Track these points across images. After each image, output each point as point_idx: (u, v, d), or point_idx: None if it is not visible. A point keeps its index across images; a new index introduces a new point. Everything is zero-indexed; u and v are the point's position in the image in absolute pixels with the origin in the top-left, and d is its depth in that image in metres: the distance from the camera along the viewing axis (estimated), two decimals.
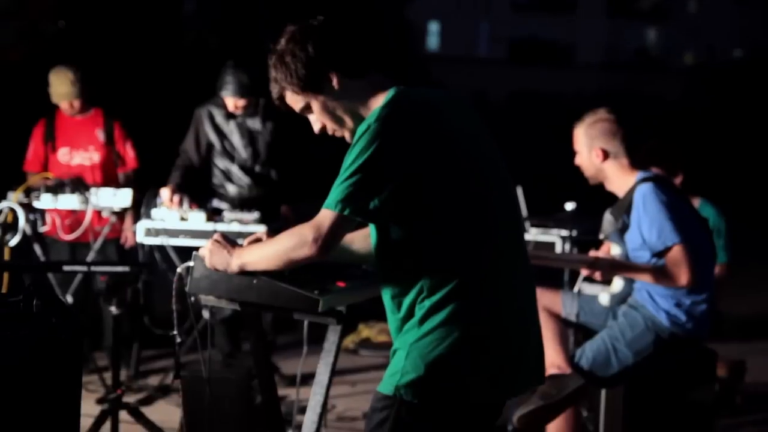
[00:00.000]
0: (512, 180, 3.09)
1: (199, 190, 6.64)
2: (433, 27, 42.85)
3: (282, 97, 3.10)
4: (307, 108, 3.08)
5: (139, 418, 4.80)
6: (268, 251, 2.99)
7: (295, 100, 3.08)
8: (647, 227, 4.34)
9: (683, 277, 4.28)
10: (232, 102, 6.47)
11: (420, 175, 2.83)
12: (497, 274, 2.91)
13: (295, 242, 2.89)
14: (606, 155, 4.55)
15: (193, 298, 3.50)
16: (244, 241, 3.26)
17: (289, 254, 2.91)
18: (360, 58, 3.03)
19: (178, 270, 3.50)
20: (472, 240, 2.88)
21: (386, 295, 3.00)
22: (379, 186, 2.81)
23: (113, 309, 4.63)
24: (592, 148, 4.57)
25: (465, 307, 2.84)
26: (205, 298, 3.40)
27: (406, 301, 2.91)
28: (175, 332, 3.51)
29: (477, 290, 2.86)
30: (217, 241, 3.14)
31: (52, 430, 3.01)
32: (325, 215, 2.84)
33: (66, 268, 5.20)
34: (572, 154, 4.70)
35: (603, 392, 4.76)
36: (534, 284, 3.08)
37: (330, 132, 3.11)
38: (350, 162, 2.82)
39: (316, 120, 3.10)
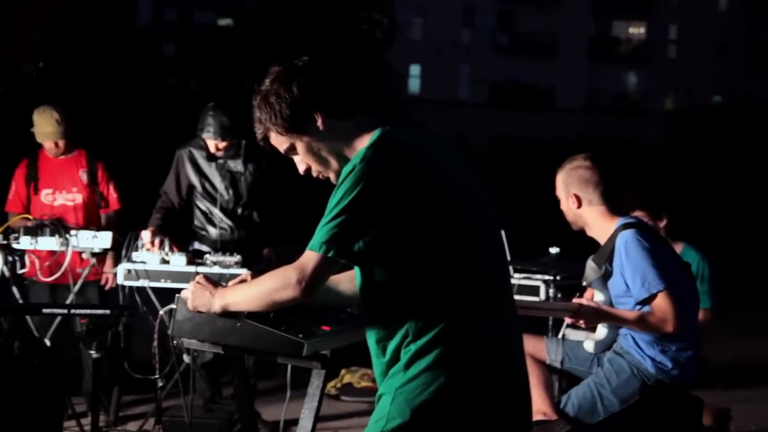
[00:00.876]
0: (497, 221, 3.06)
1: (180, 233, 6.59)
2: (414, 70, 43.03)
3: (266, 138, 3.07)
4: (292, 149, 3.05)
5: None
6: (251, 292, 2.96)
7: (279, 141, 3.05)
8: (631, 275, 4.31)
9: (669, 325, 4.25)
10: (213, 144, 6.45)
11: (406, 217, 2.79)
12: (485, 317, 2.88)
13: (278, 284, 2.85)
14: (580, 202, 4.53)
15: (175, 342, 3.46)
16: (229, 284, 3.22)
17: (273, 296, 2.88)
18: (345, 98, 3.01)
19: (161, 313, 3.46)
20: (459, 282, 2.84)
21: (371, 339, 2.96)
22: (364, 228, 2.77)
23: (93, 352, 4.56)
24: (569, 195, 4.56)
25: (452, 352, 2.80)
26: (188, 341, 3.36)
27: (392, 345, 2.87)
28: (157, 376, 3.47)
29: (464, 334, 2.82)
30: (199, 283, 3.13)
31: None
32: (309, 257, 2.80)
33: (45, 311, 5.13)
34: (553, 198, 4.69)
35: None
36: (520, 328, 3.05)
37: (315, 174, 3.08)
38: (335, 203, 2.79)
39: (301, 161, 3.07)
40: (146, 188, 6.94)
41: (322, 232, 2.78)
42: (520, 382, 2.99)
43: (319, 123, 2.98)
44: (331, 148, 3.00)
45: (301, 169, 3.09)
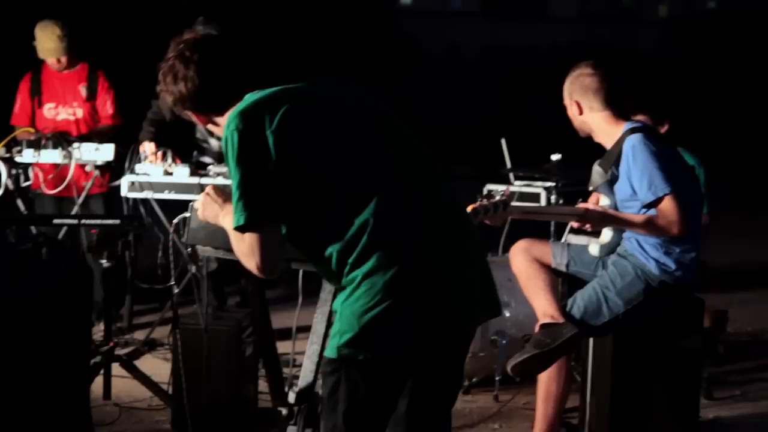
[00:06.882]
0: (409, 128, 3.13)
1: (182, 144, 6.61)
2: None
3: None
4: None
5: (132, 370, 4.80)
6: (234, 242, 3.00)
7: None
8: (638, 178, 4.35)
9: (675, 227, 4.31)
10: None
11: (290, 155, 2.89)
12: (409, 218, 2.95)
13: (247, 263, 2.95)
14: (581, 109, 4.56)
15: (189, 249, 3.52)
16: None
17: (246, 262, 2.96)
18: (229, 98, 3.07)
19: (174, 221, 3.52)
20: (365, 192, 2.91)
21: (324, 276, 3.12)
22: (266, 185, 2.88)
23: (104, 262, 4.62)
24: (571, 102, 4.59)
25: (383, 256, 2.88)
26: (202, 248, 3.43)
27: (334, 269, 2.95)
28: (173, 282, 3.53)
29: (390, 237, 2.90)
30: (208, 194, 3.20)
31: (66, 372, 3.06)
32: (250, 239, 2.90)
33: (56, 221, 5.18)
34: (550, 106, 4.71)
35: (591, 341, 4.80)
36: (464, 219, 3.15)
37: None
38: (232, 178, 2.91)
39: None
40: (139, 101, 6.87)
41: (238, 211, 2.88)
42: (473, 269, 3.06)
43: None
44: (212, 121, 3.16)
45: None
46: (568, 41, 29.61)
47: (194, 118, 3.20)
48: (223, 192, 3.21)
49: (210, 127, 3.18)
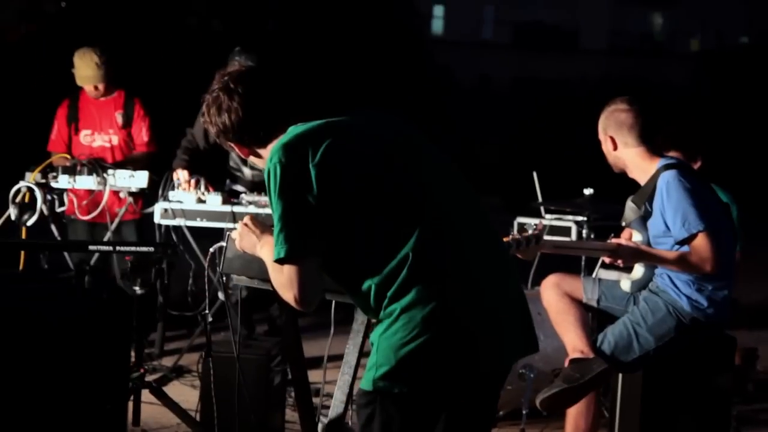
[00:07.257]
0: (451, 162, 3.14)
1: (215, 172, 6.66)
2: (438, 11, 42.68)
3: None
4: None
5: (161, 397, 4.82)
6: (273, 274, 3.02)
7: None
8: (671, 215, 4.35)
9: (708, 265, 4.30)
10: None
11: (332, 188, 2.90)
12: (449, 252, 2.94)
13: (285, 294, 2.96)
14: (616, 144, 4.57)
15: (224, 278, 3.54)
16: None
17: (283, 294, 2.97)
18: (271, 129, 3.10)
19: (211, 250, 3.55)
20: (405, 226, 2.91)
21: (362, 309, 3.09)
22: (307, 218, 2.89)
23: (137, 289, 4.65)
24: (606, 137, 4.60)
25: (423, 290, 2.88)
26: (238, 278, 3.45)
27: (372, 302, 2.95)
28: (206, 311, 3.55)
29: (430, 272, 2.89)
30: (246, 225, 3.21)
31: (105, 396, 3.10)
32: (289, 271, 2.90)
33: (91, 248, 5.22)
34: (580, 139, 4.72)
35: (620, 376, 4.79)
36: (503, 254, 3.14)
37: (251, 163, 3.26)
38: (273, 209, 2.92)
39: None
40: (173, 130, 6.94)
41: (279, 243, 2.89)
42: (511, 305, 3.05)
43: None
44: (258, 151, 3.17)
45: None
46: (598, 74, 29.60)
47: (236, 150, 3.21)
48: (260, 222, 3.23)
49: (252, 158, 3.20)
